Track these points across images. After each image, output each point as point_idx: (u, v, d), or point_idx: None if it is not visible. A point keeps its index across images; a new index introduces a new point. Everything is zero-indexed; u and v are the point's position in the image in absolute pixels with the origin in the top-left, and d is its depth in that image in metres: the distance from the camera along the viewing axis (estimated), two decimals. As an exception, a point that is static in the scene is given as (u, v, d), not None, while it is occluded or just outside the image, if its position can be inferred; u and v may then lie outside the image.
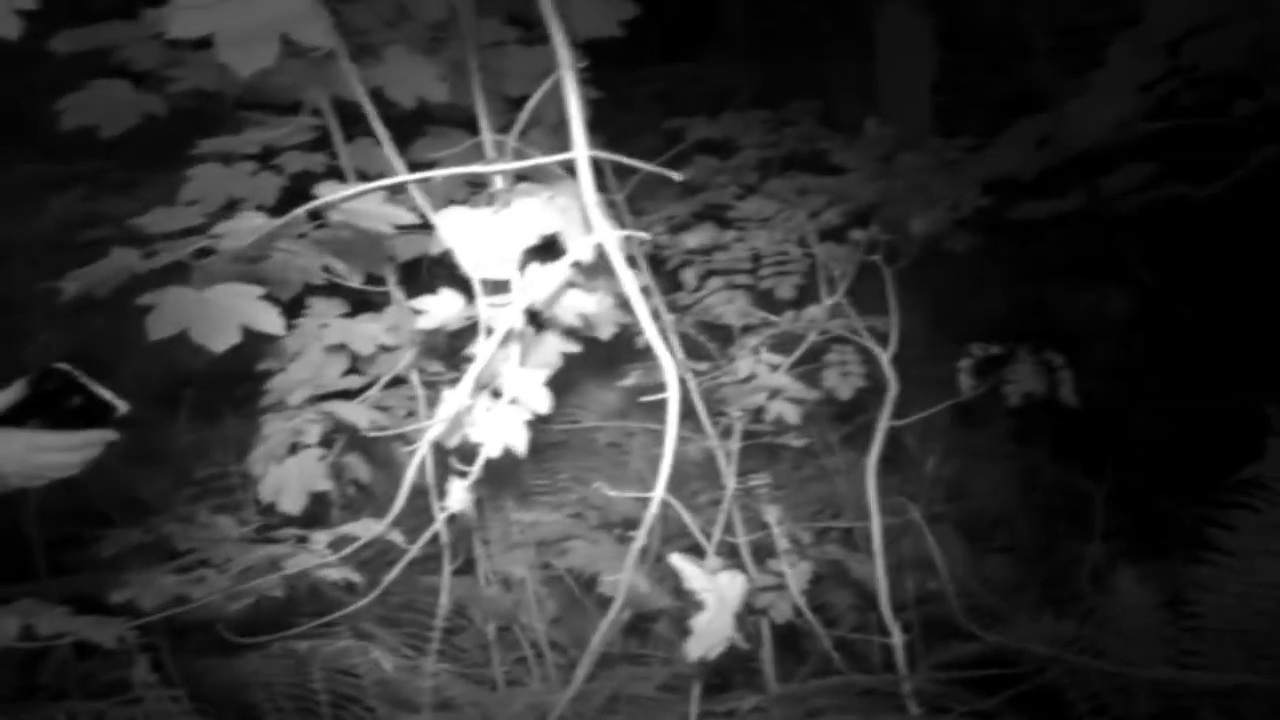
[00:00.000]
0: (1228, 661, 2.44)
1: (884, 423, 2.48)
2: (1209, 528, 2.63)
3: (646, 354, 2.69)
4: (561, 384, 3.55)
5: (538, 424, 3.32)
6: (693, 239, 2.63)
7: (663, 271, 2.84)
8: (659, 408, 3.10)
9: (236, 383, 2.85)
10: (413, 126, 2.42)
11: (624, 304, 2.02)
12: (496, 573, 3.09)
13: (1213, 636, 2.52)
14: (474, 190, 2.25)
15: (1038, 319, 3.77)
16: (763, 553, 2.69)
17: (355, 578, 2.25)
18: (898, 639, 2.45)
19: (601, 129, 2.60)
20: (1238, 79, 2.74)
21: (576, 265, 1.99)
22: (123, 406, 1.49)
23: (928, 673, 2.50)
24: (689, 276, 2.77)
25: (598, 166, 2.39)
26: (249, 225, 1.73)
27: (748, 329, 2.64)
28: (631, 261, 2.57)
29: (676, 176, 1.68)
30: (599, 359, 3.35)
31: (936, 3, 3.72)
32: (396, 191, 1.91)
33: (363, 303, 2.53)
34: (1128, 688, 2.48)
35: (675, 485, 3.27)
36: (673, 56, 4.19)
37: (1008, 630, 2.58)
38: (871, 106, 3.39)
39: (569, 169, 1.79)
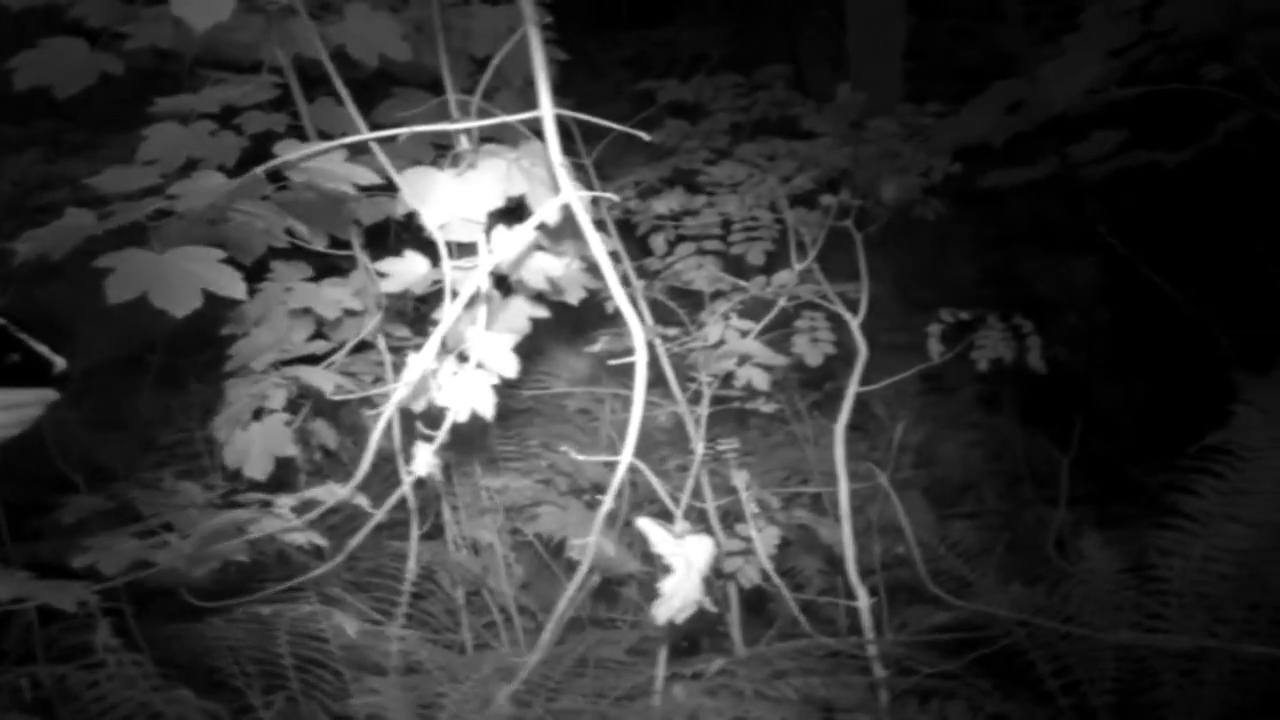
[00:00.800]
0: (1190, 625, 2.47)
1: (853, 388, 2.48)
2: (1174, 493, 2.66)
3: (616, 319, 2.68)
4: (531, 350, 3.56)
5: (506, 390, 3.31)
6: (662, 204, 2.61)
7: (633, 237, 2.82)
8: (628, 373, 3.09)
9: (202, 348, 2.82)
10: (379, 88, 2.39)
11: (592, 268, 2.01)
12: (465, 538, 3.09)
13: (1176, 600, 2.55)
14: (441, 153, 2.22)
15: (1007, 286, 3.79)
16: (731, 517, 2.70)
17: (321, 542, 2.24)
18: (864, 602, 2.47)
19: (571, 93, 2.58)
20: (1211, 44, 2.74)
21: (543, 228, 1.97)
22: (60, 363, 1.44)
23: (892, 636, 2.52)
24: (659, 242, 2.75)
25: (566, 131, 2.38)
26: (207, 185, 1.70)
27: (718, 295, 2.63)
28: (600, 226, 2.55)
29: (644, 137, 1.67)
30: (569, 325, 3.34)
31: (907, -32, 3.71)
32: (359, 152, 1.88)
33: (328, 267, 2.51)
34: (1091, 651, 2.51)
35: (644, 451, 3.27)
36: (644, 22, 4.15)
37: (973, 595, 2.60)
38: (842, 72, 3.38)
39: (536, 131, 1.77)
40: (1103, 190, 3.21)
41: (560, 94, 2.46)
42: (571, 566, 2.75)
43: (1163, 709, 2.43)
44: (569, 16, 2.54)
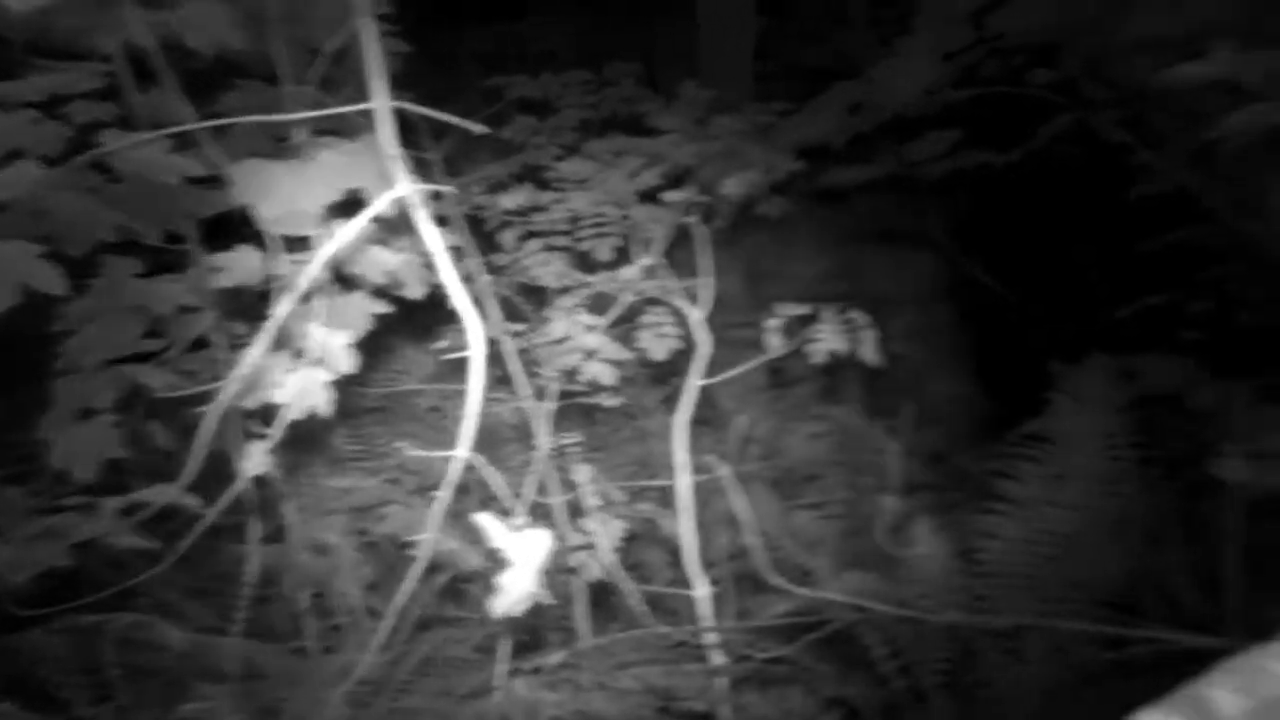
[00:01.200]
0: (1013, 605, 2.59)
1: (693, 382, 2.52)
2: (997, 480, 2.79)
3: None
4: (380, 347, 3.51)
5: (354, 388, 3.26)
6: (510, 200, 2.60)
7: (482, 232, 2.81)
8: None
9: (34, 346, 2.70)
10: (223, 79, 2.33)
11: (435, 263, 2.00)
12: (309, 540, 3.03)
13: (1000, 582, 2.67)
14: (282, 145, 2.18)
15: (850, 282, 3.89)
16: (577, 512, 2.72)
17: (150, 546, 2.17)
18: (702, 592, 2.51)
19: (420, 86, 2.56)
20: (1039, 50, 2.88)
21: (383, 222, 1.96)
22: None
23: (725, 623, 2.58)
24: (508, 238, 2.75)
25: (412, 125, 2.35)
26: (23, 175, 1.64)
27: (565, 290, 2.64)
28: (447, 221, 2.54)
29: (481, 130, 1.67)
30: (420, 322, 3.31)
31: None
32: (192, 144, 1.83)
33: (166, 262, 2.43)
34: (922, 632, 2.61)
35: (493, 447, 3.27)
36: (497, 16, 4.13)
37: (813, 582, 2.68)
38: (694, 71, 3.43)
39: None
40: (940, 189, 3.33)
41: (406, 87, 2.43)
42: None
43: (988, 686, 2.54)
44: (421, 10, 2.51)
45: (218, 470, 2.35)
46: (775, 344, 2.50)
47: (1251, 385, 2.75)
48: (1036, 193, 3.61)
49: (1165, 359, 2.94)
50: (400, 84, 2.34)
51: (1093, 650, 2.54)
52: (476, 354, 1.80)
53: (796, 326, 2.55)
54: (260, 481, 2.63)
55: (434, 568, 2.83)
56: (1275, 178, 2.11)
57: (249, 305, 2.54)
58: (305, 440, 2.92)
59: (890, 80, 2.76)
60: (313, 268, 1.76)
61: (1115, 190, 2.99)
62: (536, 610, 2.52)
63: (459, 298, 1.75)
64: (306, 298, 2.00)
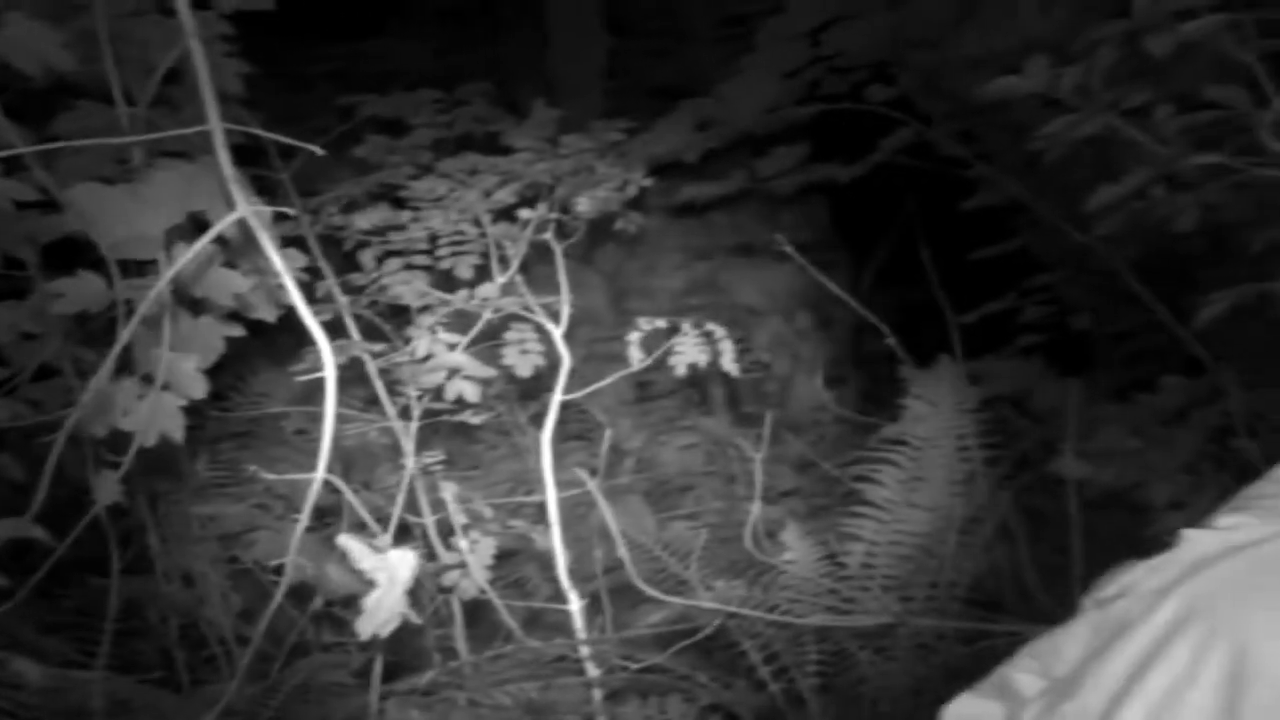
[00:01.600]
0: (880, 605, 2.66)
1: (557, 397, 2.55)
2: (860, 483, 2.88)
3: (329, 337, 2.65)
4: (244, 370, 3.45)
5: (216, 413, 3.19)
6: (365, 219, 2.59)
7: (341, 252, 2.79)
8: (347, 390, 3.05)
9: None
10: (57, 100, 2.28)
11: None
12: (176, 569, 2.96)
13: (867, 583, 2.75)
14: (124, 167, 2.14)
15: (713, 294, 3.97)
16: (448, 531, 2.71)
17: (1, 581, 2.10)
18: (575, 605, 2.53)
19: (271, 105, 2.53)
20: (876, 67, 2.99)
21: (229, 244, 1.94)
22: None
23: (598, 635, 2.60)
24: (368, 258, 2.73)
25: (260, 146, 2.33)
26: None
27: (426, 309, 2.64)
28: (299, 242, 2.52)
29: (318, 151, 1.67)
30: (283, 344, 3.27)
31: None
32: (19, 168, 1.79)
33: (10, 289, 2.36)
34: (796, 636, 2.66)
35: (364, 467, 3.24)
36: (348, 35, 4.10)
37: (688, 592, 2.71)
38: (547, 89, 3.46)
39: (235, 146, 1.74)
40: (793, 201, 3.43)
41: (255, 106, 2.42)
42: (293, 592, 2.69)
43: (859, 686, 2.61)
44: (271, 28, 2.49)
45: (75, 501, 2.29)
46: (637, 357, 2.54)
47: (1086, 385, 2.89)
48: (885, 204, 3.74)
49: (1009, 362, 3.07)
50: (249, 103, 2.33)
51: (957, 645, 2.63)
52: (329, 375, 1.80)
53: (659, 339, 2.60)
54: (120, 511, 2.57)
55: (306, 593, 2.79)
56: (1092, 186, 2.23)
57: (97, 332, 2.49)
58: (165, 467, 2.86)
59: (736, 98, 2.83)
60: (154, 292, 1.73)
61: (957, 200, 3.12)
62: (416, 631, 2.52)
63: (308, 318, 1.75)
64: (154, 322, 1.97)
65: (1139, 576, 0.75)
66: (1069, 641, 0.78)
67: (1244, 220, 2.21)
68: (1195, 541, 0.74)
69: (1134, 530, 2.56)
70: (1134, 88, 2.17)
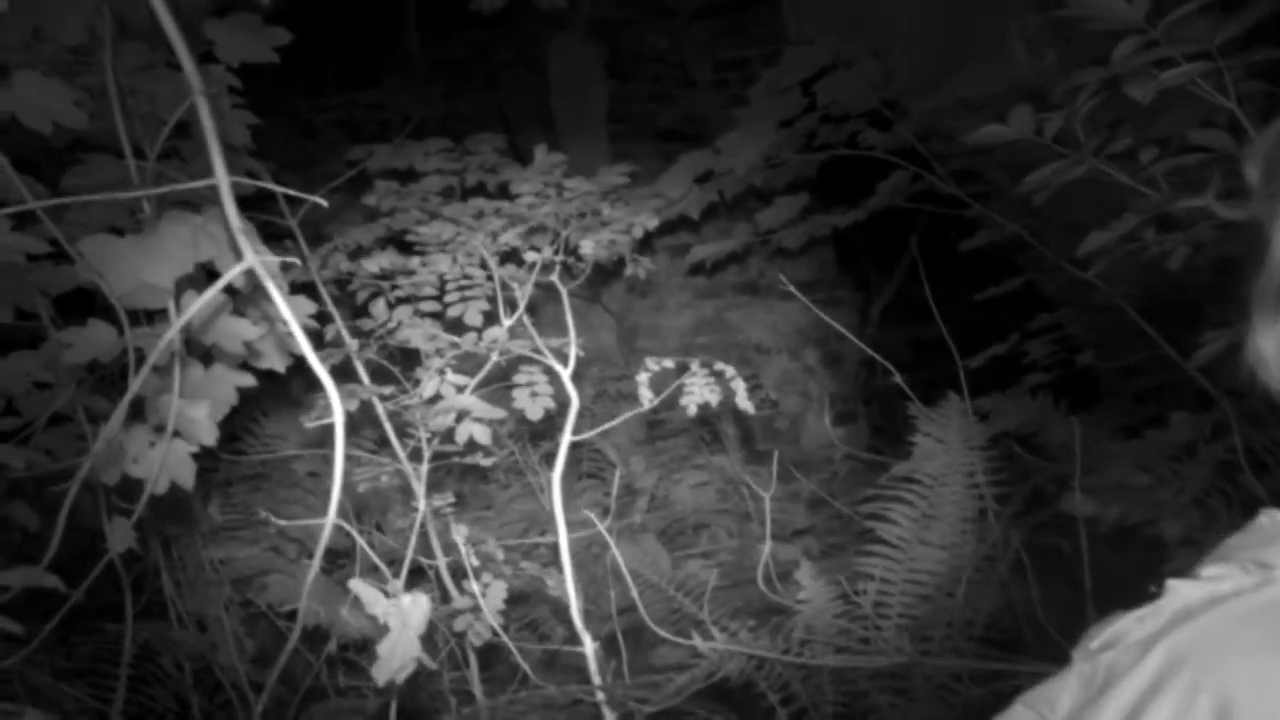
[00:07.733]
0: (896, 645, 2.64)
1: (566, 438, 2.54)
2: (874, 522, 2.86)
3: (340, 380, 2.66)
4: (256, 414, 3.47)
5: (229, 457, 3.21)
6: (373, 264, 2.61)
7: (350, 297, 2.81)
8: (358, 434, 3.06)
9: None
10: (71, 155, 2.32)
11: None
12: (191, 613, 2.98)
13: (883, 623, 2.73)
14: (135, 219, 2.17)
15: (721, 333, 3.98)
16: (461, 573, 2.71)
17: (14, 629, 2.11)
18: (589, 648, 2.52)
19: (280, 154, 2.56)
20: (873, 114, 3.01)
21: (236, 293, 1.96)
22: None
23: (613, 679, 2.59)
24: (379, 304, 2.75)
25: (269, 194, 2.36)
26: None
27: (435, 352, 2.65)
28: (308, 288, 2.54)
29: (322, 203, 1.69)
30: (297, 388, 3.29)
31: (604, 34, 3.87)
32: (33, 221, 1.82)
33: (23, 339, 2.39)
34: (813, 676, 2.64)
35: (376, 510, 3.24)
36: (351, 84, 4.16)
37: (704, 632, 2.70)
38: (550, 134, 3.49)
39: (240, 198, 1.76)
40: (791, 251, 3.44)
41: (264, 156, 2.45)
42: (307, 635, 2.69)
43: (881, 727, 2.59)
44: (279, 78, 2.52)
45: (89, 547, 2.30)
46: (647, 397, 2.54)
47: (1094, 420, 2.88)
48: (891, 242, 3.76)
49: (1015, 399, 3.06)
50: (257, 153, 2.36)
51: (975, 686, 2.60)
52: (338, 420, 1.81)
53: (669, 378, 2.60)
54: (134, 556, 2.58)
55: (321, 636, 2.79)
56: (1090, 223, 2.24)
57: (109, 380, 2.51)
58: (178, 512, 2.88)
59: (734, 149, 2.85)
60: (164, 340, 1.75)
61: (962, 237, 3.13)
62: (432, 675, 2.51)
63: (316, 366, 1.77)
64: (164, 370, 1.99)
65: (1126, 627, 0.75)
66: (1063, 692, 0.79)
67: (1236, 257, 2.21)
68: (1180, 592, 0.75)
69: (1148, 566, 2.54)
70: (1118, 133, 2.19)
